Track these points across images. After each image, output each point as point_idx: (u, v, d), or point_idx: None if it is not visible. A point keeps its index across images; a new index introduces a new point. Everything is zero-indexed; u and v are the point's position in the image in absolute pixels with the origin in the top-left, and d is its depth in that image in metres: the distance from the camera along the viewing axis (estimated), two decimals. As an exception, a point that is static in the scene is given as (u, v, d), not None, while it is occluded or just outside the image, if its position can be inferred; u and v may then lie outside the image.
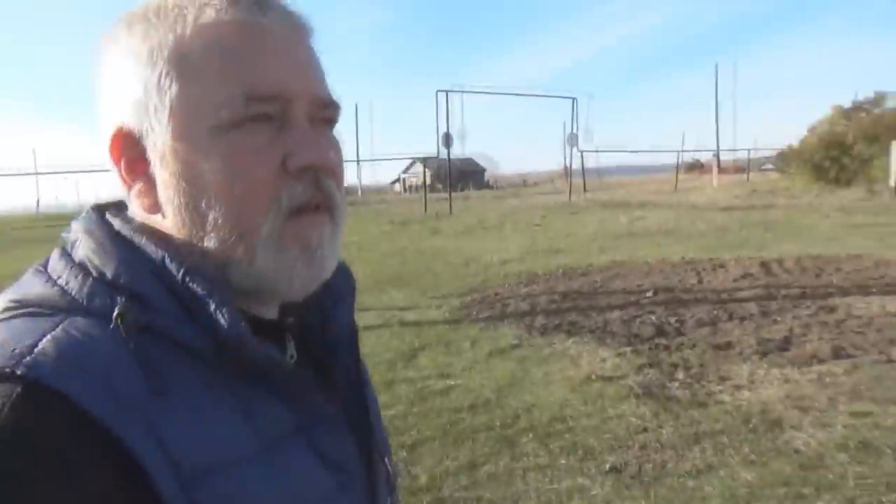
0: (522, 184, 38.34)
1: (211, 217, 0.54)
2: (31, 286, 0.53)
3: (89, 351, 0.48)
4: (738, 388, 4.22)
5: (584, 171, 24.60)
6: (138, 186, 0.56)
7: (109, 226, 0.57)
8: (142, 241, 0.55)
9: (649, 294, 6.71)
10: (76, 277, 0.53)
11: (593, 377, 4.53)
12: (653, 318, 5.87)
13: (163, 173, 0.55)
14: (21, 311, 0.51)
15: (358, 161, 39.32)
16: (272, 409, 0.55)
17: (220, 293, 0.53)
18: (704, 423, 3.72)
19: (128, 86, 0.55)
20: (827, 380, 4.26)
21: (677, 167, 28.60)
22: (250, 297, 0.58)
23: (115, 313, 0.50)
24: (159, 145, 0.55)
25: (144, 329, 0.50)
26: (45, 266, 0.55)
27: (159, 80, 0.54)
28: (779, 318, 5.70)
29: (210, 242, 0.55)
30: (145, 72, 0.54)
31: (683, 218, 15.33)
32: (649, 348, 5.09)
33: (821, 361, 4.58)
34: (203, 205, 0.54)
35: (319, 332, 0.66)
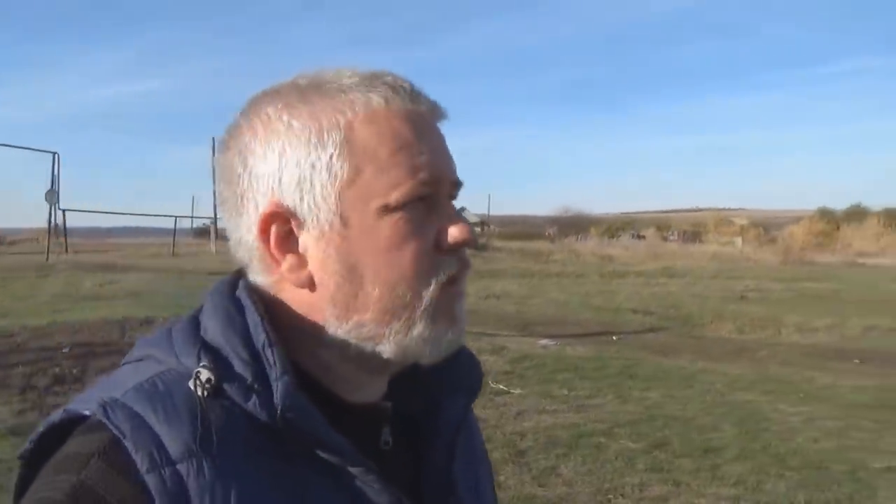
0: (-3, 241, 33.43)
1: (376, 290, 0.56)
2: (159, 341, 0.59)
3: (156, 403, 0.51)
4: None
5: (66, 230, 23.08)
6: (290, 261, 0.58)
7: (232, 291, 0.60)
8: (251, 308, 0.57)
9: (65, 350, 7.15)
10: (186, 334, 0.57)
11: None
12: (56, 370, 6.35)
13: (324, 248, 0.57)
14: (143, 359, 0.58)
15: None
16: (330, 499, 0.55)
17: (284, 366, 0.54)
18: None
19: (289, 164, 0.57)
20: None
21: (174, 232, 29.28)
22: (369, 365, 0.60)
23: (194, 372, 0.53)
24: (322, 221, 0.56)
25: (219, 391, 0.53)
26: (175, 323, 0.60)
27: (330, 160, 0.56)
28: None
29: (364, 315, 0.57)
30: (314, 152, 0.56)
31: (158, 281, 15.96)
32: (38, 395, 5.57)
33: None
34: (367, 278, 0.56)
35: (423, 420, 0.66)
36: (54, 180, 21.69)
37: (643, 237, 53.61)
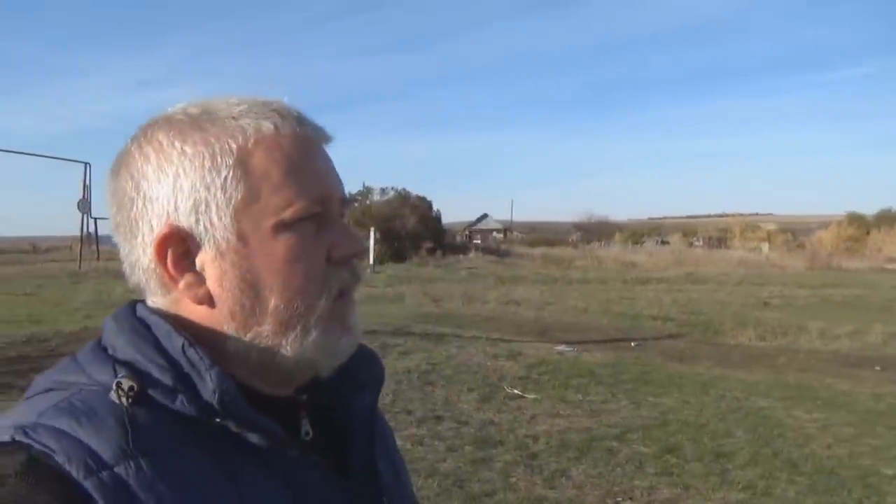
0: (32, 249, 33.92)
1: (272, 303, 0.60)
2: (63, 368, 0.60)
3: (79, 417, 0.52)
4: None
5: (97, 238, 23.58)
6: (187, 280, 0.60)
7: (133, 312, 0.62)
8: (158, 321, 0.60)
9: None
10: (93, 356, 0.59)
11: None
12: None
13: (221, 266, 0.60)
14: (50, 389, 0.57)
15: None
16: (266, 487, 0.57)
17: (211, 360, 0.56)
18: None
19: (184, 188, 0.59)
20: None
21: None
22: (272, 375, 0.63)
23: (113, 384, 0.54)
24: (219, 241, 0.59)
25: (142, 398, 0.54)
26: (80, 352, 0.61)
27: (224, 182, 0.59)
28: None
29: (263, 326, 0.60)
30: (209, 175, 0.59)
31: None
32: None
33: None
34: (264, 292, 0.60)
35: (336, 415, 0.69)
36: (85, 189, 22.31)
37: (667, 243, 53.15)
